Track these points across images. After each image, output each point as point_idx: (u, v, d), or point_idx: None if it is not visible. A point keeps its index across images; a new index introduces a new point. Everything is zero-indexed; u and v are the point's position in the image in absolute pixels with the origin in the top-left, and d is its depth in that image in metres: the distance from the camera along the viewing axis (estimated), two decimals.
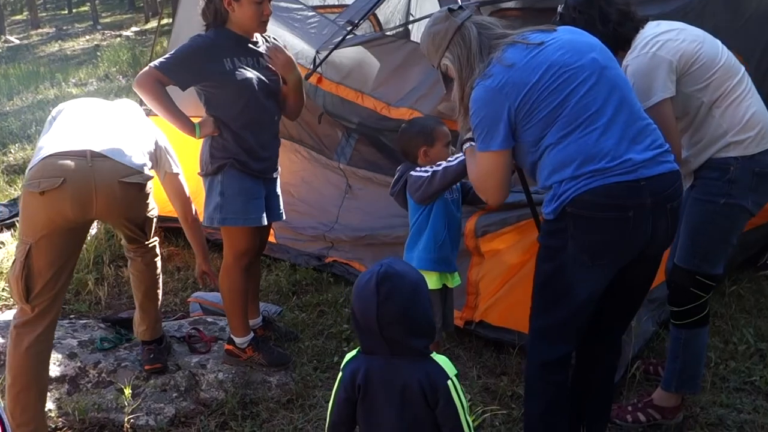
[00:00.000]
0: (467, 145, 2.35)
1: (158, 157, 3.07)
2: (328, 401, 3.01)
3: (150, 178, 2.89)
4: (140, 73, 2.82)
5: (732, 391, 3.01)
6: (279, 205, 3.22)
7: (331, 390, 3.10)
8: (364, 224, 3.94)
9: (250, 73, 2.91)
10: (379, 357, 1.74)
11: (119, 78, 11.88)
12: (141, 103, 5.50)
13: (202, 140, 3.01)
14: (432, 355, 1.75)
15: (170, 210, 4.42)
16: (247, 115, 2.94)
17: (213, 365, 3.22)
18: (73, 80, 11.80)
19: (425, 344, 1.73)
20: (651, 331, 3.25)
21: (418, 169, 2.59)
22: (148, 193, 2.90)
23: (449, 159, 2.55)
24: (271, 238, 3.83)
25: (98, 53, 14.22)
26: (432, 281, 2.62)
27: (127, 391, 2.95)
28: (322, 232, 4.11)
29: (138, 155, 2.84)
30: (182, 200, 3.27)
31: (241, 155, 2.95)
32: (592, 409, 2.41)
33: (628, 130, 2.04)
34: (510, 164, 2.17)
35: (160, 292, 3.20)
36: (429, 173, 2.53)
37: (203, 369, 3.20)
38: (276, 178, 3.17)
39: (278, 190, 3.21)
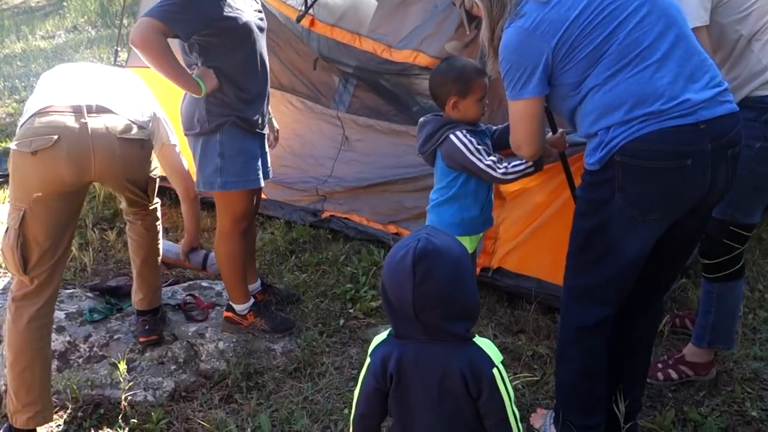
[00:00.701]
0: None
1: (155, 126, 2.81)
2: (337, 368, 2.89)
3: (151, 133, 2.63)
4: (137, 25, 2.44)
5: (765, 343, 2.87)
6: (267, 162, 2.96)
7: (340, 356, 2.98)
8: (360, 175, 3.71)
9: (247, 15, 2.62)
10: (413, 342, 1.52)
11: (88, 29, 11.30)
12: (116, 60, 5.20)
13: (185, 94, 2.70)
14: (475, 339, 1.53)
15: None
16: (251, 63, 2.66)
17: (212, 334, 3.02)
18: (40, 33, 11.20)
19: (467, 328, 1.51)
20: (675, 281, 3.08)
21: (460, 134, 2.25)
22: (150, 151, 2.66)
23: (514, 163, 2.22)
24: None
25: (64, 3, 13.52)
26: (470, 246, 2.39)
27: (122, 366, 2.74)
28: (314, 186, 3.88)
29: (137, 112, 2.60)
30: (181, 174, 3.03)
31: (244, 111, 2.67)
32: (629, 373, 2.23)
33: (684, 66, 1.81)
34: (543, 112, 1.96)
35: (160, 258, 2.97)
36: (483, 162, 2.22)
37: (202, 338, 2.99)
38: (265, 132, 2.90)
39: (266, 145, 2.94)
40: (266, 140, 2.91)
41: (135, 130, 2.52)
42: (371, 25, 3.40)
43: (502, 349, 2.91)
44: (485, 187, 2.40)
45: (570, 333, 2.13)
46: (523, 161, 2.20)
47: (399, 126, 3.56)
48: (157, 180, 2.82)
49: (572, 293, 2.11)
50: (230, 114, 2.63)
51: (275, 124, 3.15)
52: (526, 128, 1.96)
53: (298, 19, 3.50)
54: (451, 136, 2.25)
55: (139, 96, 2.76)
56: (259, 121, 2.74)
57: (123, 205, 2.83)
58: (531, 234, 3.02)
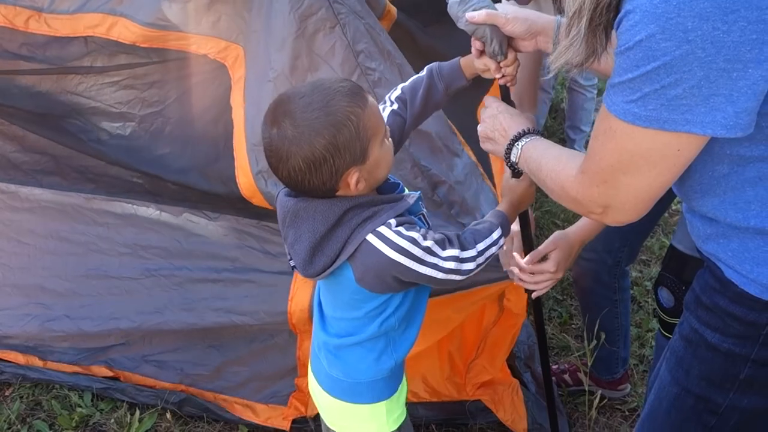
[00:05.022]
0: (526, 141, 1.16)
1: None
2: None
3: None
4: None
5: None
6: None
7: None
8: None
9: None
10: None
11: None
12: None
13: None
14: None
15: None
16: None
17: None
18: None
19: None
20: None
21: (388, 231, 1.13)
22: None
23: (482, 245, 1.21)
24: None
25: None
26: (399, 406, 1.37)
27: None
28: None
29: None
30: None
31: None
32: None
33: None
34: None
35: None
36: (441, 266, 1.15)
37: None
38: None
39: None
40: None
41: None
42: None
43: None
44: (424, 297, 1.29)
45: None
46: (493, 235, 1.22)
47: (65, 194, 1.94)
48: None
49: None
50: None
51: None
52: (655, 181, 0.92)
53: None
54: (373, 241, 1.13)
55: None
56: None
57: None
58: None
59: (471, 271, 1.18)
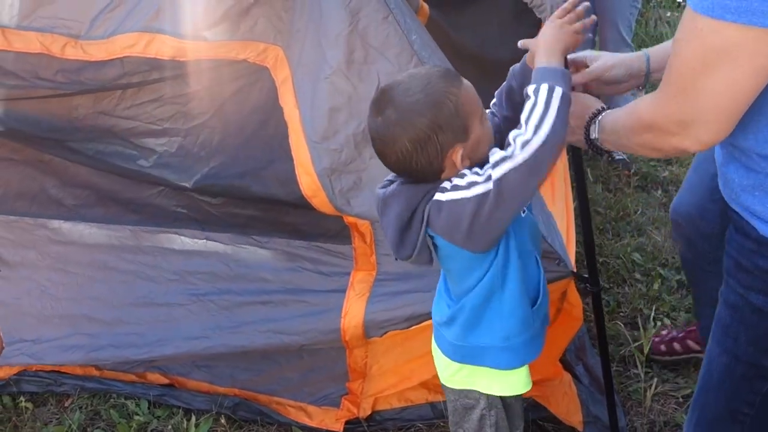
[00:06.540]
0: (602, 116, 1.17)
1: None
2: None
3: None
4: None
5: None
6: None
7: None
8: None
9: None
10: None
11: None
12: None
13: None
14: None
15: None
16: None
17: None
18: None
19: None
20: None
21: (448, 185, 1.18)
22: None
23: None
24: None
25: None
26: (526, 384, 1.40)
27: None
28: None
29: None
30: None
31: None
32: None
33: None
34: None
35: None
36: (483, 182, 1.15)
37: None
38: None
39: None
40: None
41: None
42: (23, 7, 1.70)
43: None
44: (532, 257, 1.32)
45: None
46: (540, 95, 1.12)
47: (109, 228, 1.95)
48: None
49: None
50: None
51: None
52: (736, 85, 0.88)
53: None
54: (437, 196, 1.19)
55: None
56: None
57: None
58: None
59: (541, 143, 1.09)
